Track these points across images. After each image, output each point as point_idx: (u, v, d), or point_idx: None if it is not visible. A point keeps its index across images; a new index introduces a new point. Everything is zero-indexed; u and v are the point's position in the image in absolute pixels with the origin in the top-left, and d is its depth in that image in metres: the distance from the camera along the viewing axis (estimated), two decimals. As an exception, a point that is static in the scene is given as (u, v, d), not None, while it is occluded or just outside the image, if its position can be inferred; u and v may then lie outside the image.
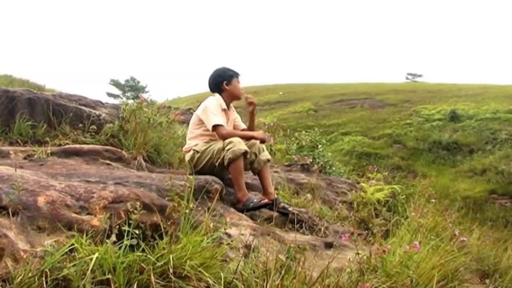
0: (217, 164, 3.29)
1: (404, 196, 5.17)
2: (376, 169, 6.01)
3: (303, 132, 7.04)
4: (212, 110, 3.40)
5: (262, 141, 3.58)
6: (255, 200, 3.23)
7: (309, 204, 4.05)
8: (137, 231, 1.83)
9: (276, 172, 4.84)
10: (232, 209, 3.15)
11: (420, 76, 42.84)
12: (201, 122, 3.48)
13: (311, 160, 5.58)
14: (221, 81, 3.55)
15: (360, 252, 2.44)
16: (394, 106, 22.55)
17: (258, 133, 3.62)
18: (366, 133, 19.21)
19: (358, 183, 5.52)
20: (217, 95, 3.55)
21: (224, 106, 3.52)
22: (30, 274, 1.51)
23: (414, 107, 21.84)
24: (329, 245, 3.02)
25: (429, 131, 18.84)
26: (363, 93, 25.77)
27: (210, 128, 3.38)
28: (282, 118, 18.87)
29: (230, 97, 3.59)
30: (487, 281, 3.51)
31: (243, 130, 3.67)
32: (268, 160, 3.53)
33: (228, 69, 3.63)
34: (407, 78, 42.41)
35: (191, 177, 2.33)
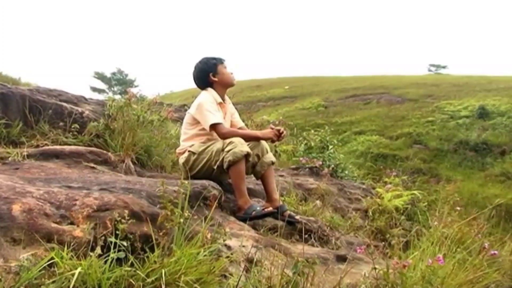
0: (215, 167, 3.30)
1: (425, 203, 5.17)
2: (394, 173, 6.01)
3: (312, 131, 7.05)
4: (207, 107, 3.41)
5: (272, 140, 3.54)
6: (258, 208, 3.23)
7: (319, 212, 4.05)
8: (125, 243, 1.83)
9: (281, 176, 4.84)
10: (232, 218, 3.15)
11: (444, 67, 42.91)
12: (195, 122, 3.49)
13: (320, 163, 5.59)
14: (207, 74, 3.56)
15: (376, 266, 2.43)
16: (415, 101, 22.54)
17: (264, 132, 3.56)
18: (383, 132, 19.20)
19: (374, 188, 5.54)
20: (209, 89, 3.57)
21: (219, 100, 3.54)
22: (4, 292, 1.51)
23: (437, 102, 21.81)
24: (341, 259, 3.01)
25: (455, 129, 18.80)
26: (379, 87, 25.77)
27: (207, 128, 3.39)
28: (288, 116, 18.89)
29: (222, 87, 3.61)
30: (521, 299, 3.49)
31: (240, 128, 3.67)
32: (273, 163, 3.53)
33: (209, 58, 3.63)
34: (429, 70, 42.46)
35: (186, 182, 2.33)
